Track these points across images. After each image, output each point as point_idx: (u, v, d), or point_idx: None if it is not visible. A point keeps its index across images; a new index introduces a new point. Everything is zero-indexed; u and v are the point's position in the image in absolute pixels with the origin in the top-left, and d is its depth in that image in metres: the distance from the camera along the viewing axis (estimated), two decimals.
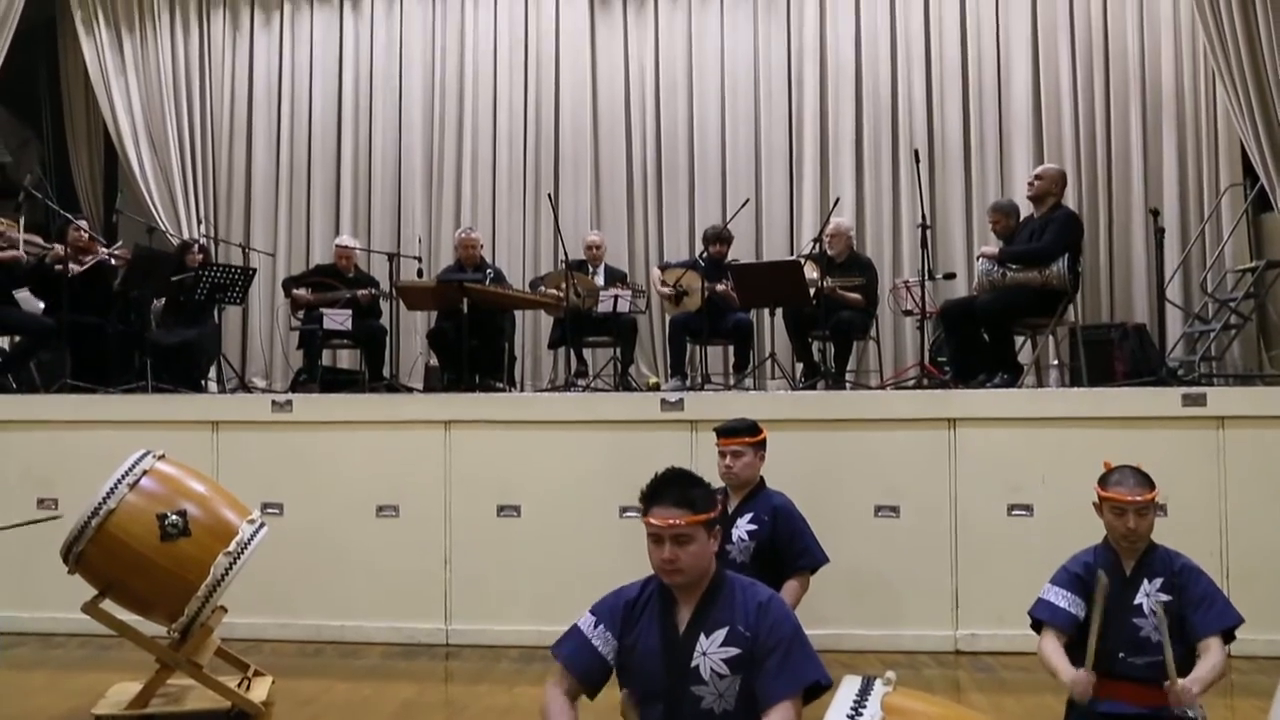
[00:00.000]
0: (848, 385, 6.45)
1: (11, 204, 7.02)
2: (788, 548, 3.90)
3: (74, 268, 6.50)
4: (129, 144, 8.85)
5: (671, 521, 2.46)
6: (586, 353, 7.46)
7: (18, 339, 6.86)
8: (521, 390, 7.66)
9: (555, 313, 7.18)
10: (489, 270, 7.32)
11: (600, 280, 7.36)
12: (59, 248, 6.62)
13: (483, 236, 7.79)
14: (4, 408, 5.89)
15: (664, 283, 7.03)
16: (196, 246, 7.37)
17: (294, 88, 9.14)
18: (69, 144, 9.43)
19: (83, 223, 7.00)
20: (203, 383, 7.00)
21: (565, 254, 6.92)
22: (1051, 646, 3.04)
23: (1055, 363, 6.68)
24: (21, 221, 6.68)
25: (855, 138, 8.58)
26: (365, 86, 9.09)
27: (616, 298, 6.96)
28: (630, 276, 8.04)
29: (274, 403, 5.72)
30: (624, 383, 6.87)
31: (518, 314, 7.66)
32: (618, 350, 7.02)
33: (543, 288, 7.23)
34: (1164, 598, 2.98)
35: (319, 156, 9.08)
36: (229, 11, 9.20)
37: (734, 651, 2.44)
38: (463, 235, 7.48)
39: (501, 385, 6.86)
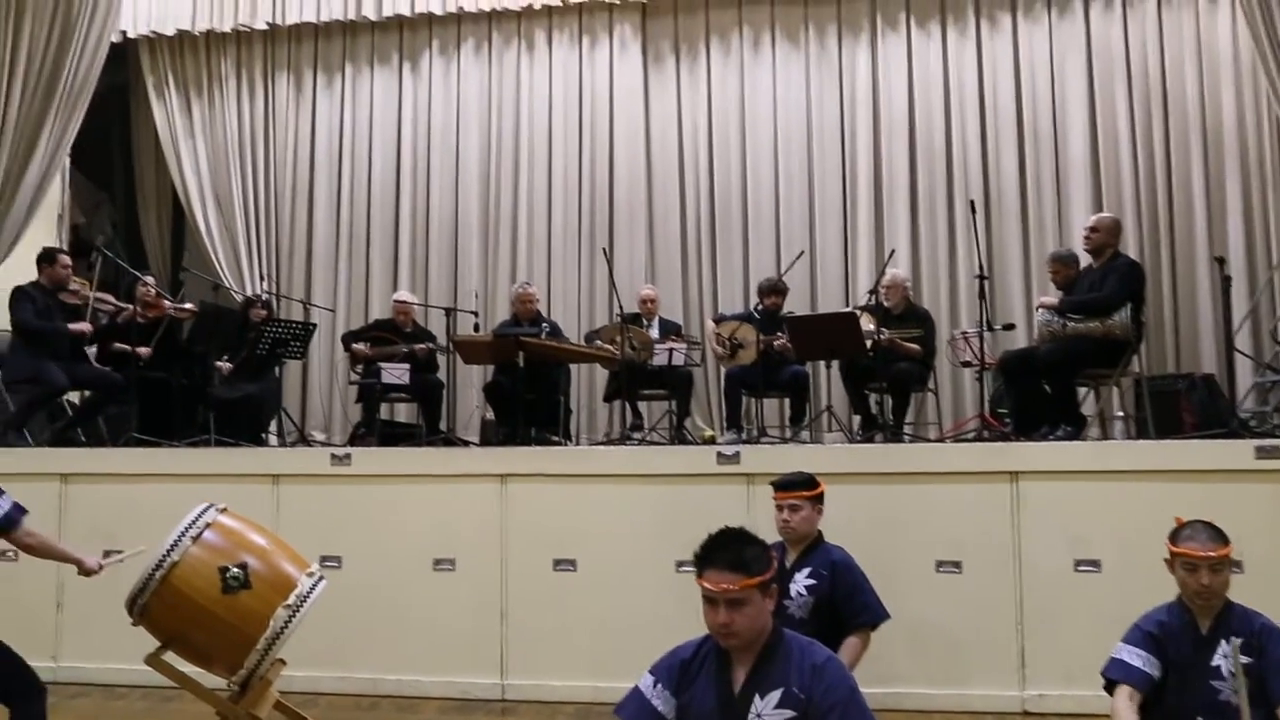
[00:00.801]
0: (906, 438, 6.38)
1: (84, 263, 7.27)
2: (847, 603, 3.83)
3: (142, 339, 6.68)
4: (196, 204, 9.15)
5: (725, 585, 2.42)
6: (642, 406, 7.47)
7: (88, 393, 7.04)
8: (577, 444, 7.67)
9: (610, 366, 7.19)
10: (545, 324, 7.39)
11: (655, 333, 7.38)
12: (130, 308, 6.81)
13: (538, 291, 7.89)
14: (73, 461, 6.04)
15: (719, 335, 7.01)
16: (260, 302, 7.56)
17: (354, 148, 9.37)
18: (139, 205, 9.76)
19: (150, 279, 7.20)
20: (264, 436, 7.10)
21: (620, 307, 6.96)
22: (1125, 707, 2.93)
23: (1120, 414, 6.52)
24: (94, 279, 6.91)
25: (910, 188, 8.55)
26: (423, 145, 9.27)
27: (671, 351, 6.96)
28: (685, 329, 8.05)
29: (333, 456, 5.78)
30: (679, 436, 6.84)
31: (573, 367, 7.69)
32: (673, 403, 7.04)
33: (598, 341, 7.26)
34: (1243, 659, 2.87)
35: (378, 214, 9.27)
36: (293, 74, 9.48)
37: (789, 714, 2.40)
38: (519, 290, 7.56)
39: (557, 439, 6.88)
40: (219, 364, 7.04)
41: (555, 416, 7.02)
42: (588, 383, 8.56)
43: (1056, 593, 5.01)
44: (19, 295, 6.45)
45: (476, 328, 7.38)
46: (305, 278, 9.30)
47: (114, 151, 9.90)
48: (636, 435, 7.02)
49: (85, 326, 6.55)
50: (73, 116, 7.55)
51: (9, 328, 6.65)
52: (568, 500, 5.51)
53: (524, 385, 6.60)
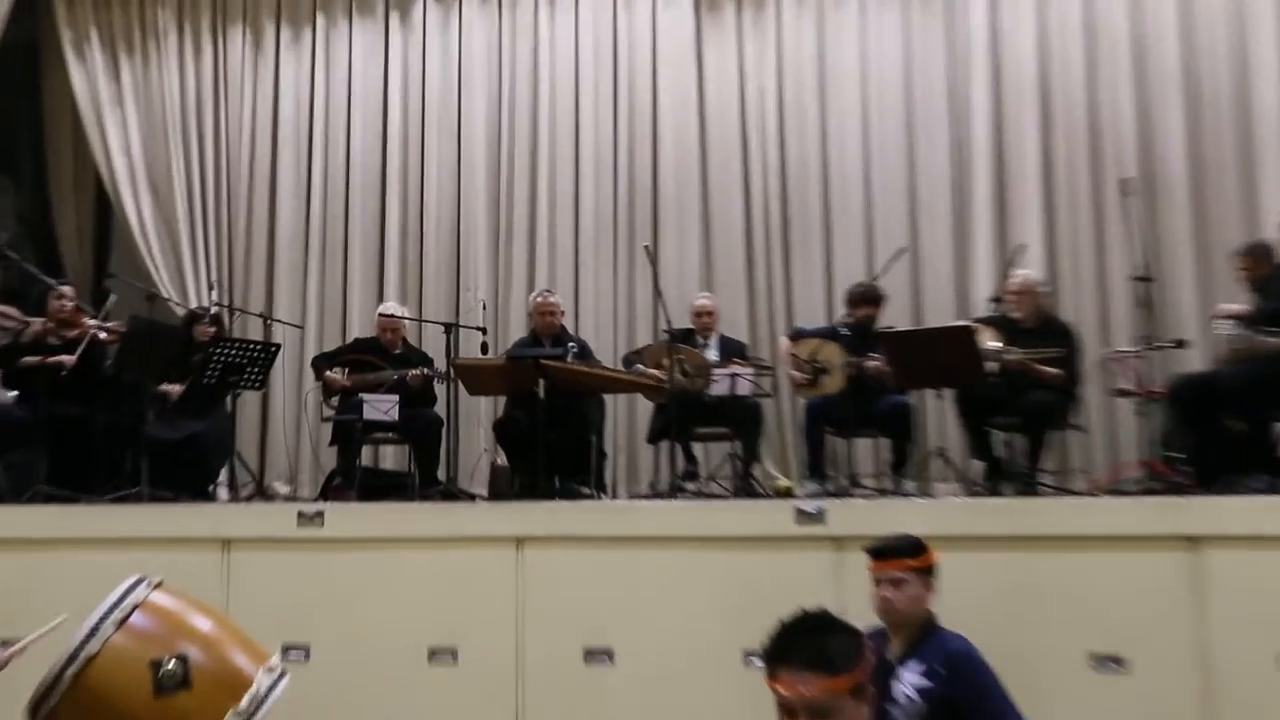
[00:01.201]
0: (1045, 490, 6.30)
1: None
2: (972, 710, 3.73)
3: (59, 355, 6.74)
4: (125, 192, 9.27)
5: (804, 689, 2.30)
6: (697, 448, 7.46)
7: None
8: (614, 497, 7.67)
9: (656, 397, 7.18)
10: (571, 344, 7.39)
11: (713, 354, 7.36)
12: (37, 322, 6.90)
13: (563, 301, 7.88)
14: None
15: (795, 357, 6.98)
16: (207, 317, 7.61)
17: (328, 120, 9.44)
18: (51, 193, 9.87)
19: (67, 289, 7.27)
20: (211, 489, 7.12)
21: (668, 322, 6.93)
22: None
23: None
24: None
25: (1043, 165, 8.47)
26: (416, 118, 9.35)
27: (735, 377, 6.95)
28: (751, 349, 8.04)
29: (301, 514, 5.78)
30: (746, 487, 6.83)
31: (608, 399, 7.70)
32: (737, 445, 7.02)
33: (640, 365, 7.26)
34: None
35: (359, 205, 9.34)
36: (249, 28, 9.60)
37: None
38: (538, 300, 7.57)
39: (588, 491, 6.88)
40: (166, 387, 7.10)
41: (586, 462, 7.02)
42: (626, 419, 8.57)
43: (1258, 700, 4.86)
44: None
45: (485, 348, 7.38)
46: (266, 286, 9.37)
47: (19, 125, 10.01)
48: (690, 486, 7.00)
49: None
50: None
51: None
52: (602, 571, 5.48)
53: (545, 422, 6.60)
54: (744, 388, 7.00)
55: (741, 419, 7.05)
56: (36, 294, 7.51)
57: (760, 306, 8.83)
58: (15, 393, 7.09)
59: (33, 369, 6.76)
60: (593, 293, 8.94)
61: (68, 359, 6.73)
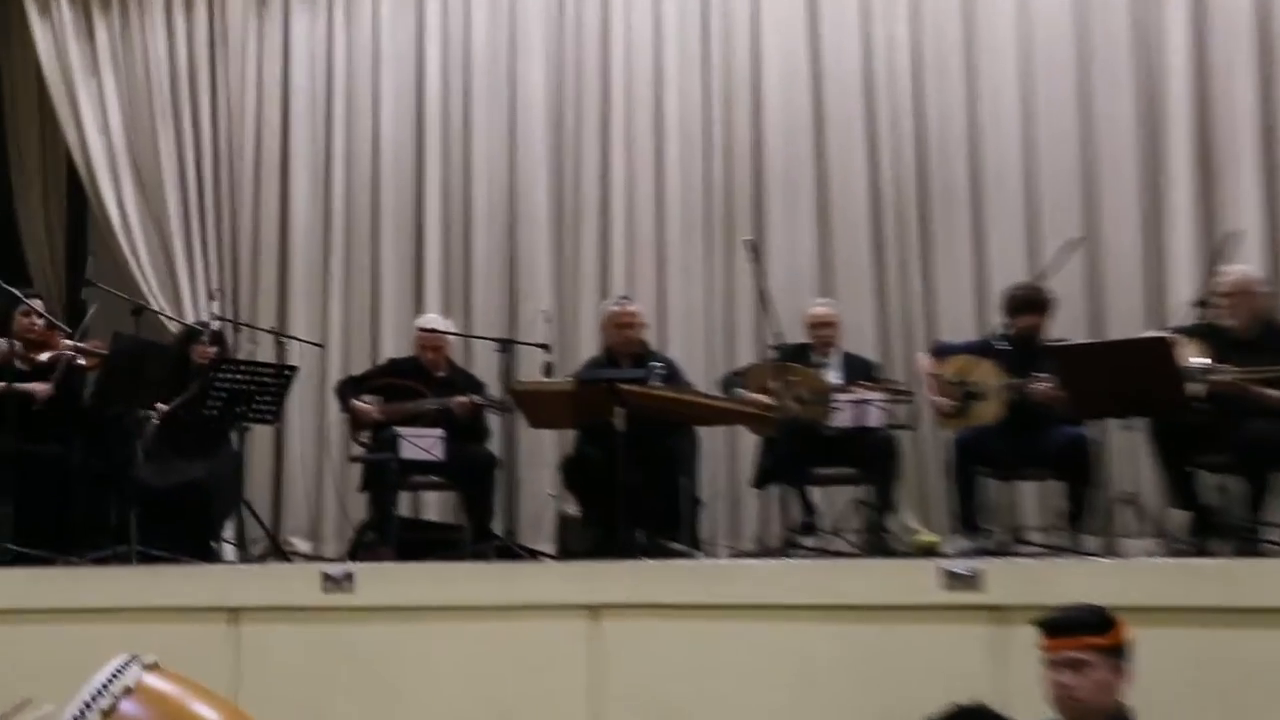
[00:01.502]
0: (1270, 548, 6.22)
1: None
2: None
3: (29, 383, 6.90)
4: (104, 180, 9.39)
5: None
6: (815, 493, 7.45)
7: None
8: (712, 556, 7.64)
9: (763, 429, 7.18)
10: (656, 364, 7.41)
11: (834, 375, 7.35)
12: (2, 343, 7.01)
13: (645, 310, 7.93)
14: None
15: (939, 379, 6.97)
16: (207, 334, 7.71)
17: (351, 92, 9.51)
18: (14, 182, 9.99)
19: (36, 302, 7.42)
20: (216, 546, 7.22)
21: (777, 335, 6.94)
22: None
23: None
24: None
25: (1261, 128, 8.32)
26: (458, 90, 9.39)
27: (862, 404, 6.93)
28: (883, 368, 8.01)
29: (326, 577, 5.88)
30: (878, 543, 6.81)
31: (702, 432, 7.69)
32: (867, 489, 7.01)
33: (742, 390, 7.26)
34: None
35: (391, 192, 9.39)
36: None
37: None
38: (614, 309, 7.64)
39: (679, 547, 6.90)
40: (154, 408, 7.17)
41: (676, 511, 7.04)
42: (726, 456, 8.53)
43: None
44: None
45: (549, 370, 7.43)
46: (278, 294, 9.44)
47: None
48: (807, 542, 7.01)
49: None
50: None
51: None
52: (697, 648, 5.53)
53: (625, 461, 6.63)
54: (874, 417, 6.97)
55: (871, 457, 7.05)
56: None
57: (893, 315, 8.74)
58: None
59: None
60: (681, 299, 8.91)
61: (40, 388, 6.88)
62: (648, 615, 5.61)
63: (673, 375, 7.48)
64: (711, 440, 8.15)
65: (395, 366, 7.95)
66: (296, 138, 9.58)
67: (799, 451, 6.94)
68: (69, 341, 7.25)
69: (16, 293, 7.42)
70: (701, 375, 8.35)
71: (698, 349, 8.76)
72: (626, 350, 7.50)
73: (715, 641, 5.53)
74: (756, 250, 7.83)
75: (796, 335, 7.56)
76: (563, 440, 8.13)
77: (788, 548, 6.91)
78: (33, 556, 6.46)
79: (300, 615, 5.82)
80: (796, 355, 7.27)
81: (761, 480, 7.54)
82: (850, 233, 8.86)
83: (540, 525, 8.13)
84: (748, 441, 7.97)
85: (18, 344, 7.05)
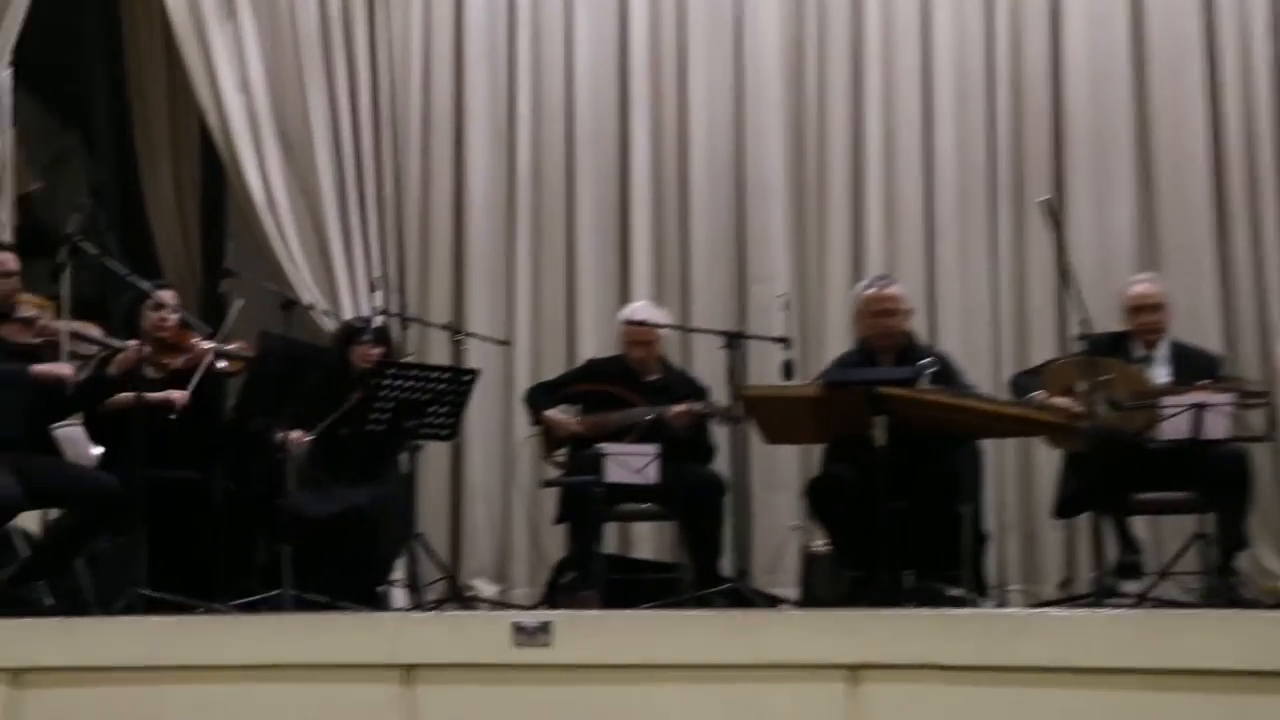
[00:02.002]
0: None
1: (47, 267, 7.65)
2: None
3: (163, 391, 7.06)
4: (243, 148, 9.46)
5: None
6: (1139, 524, 7.40)
7: (56, 513, 7.37)
8: (1002, 604, 7.65)
9: (1068, 443, 7.12)
10: (926, 361, 7.31)
11: (1162, 373, 7.27)
12: (129, 346, 7.07)
13: (910, 294, 7.88)
14: (29, 644, 6.22)
15: None
16: (369, 333, 7.82)
17: (537, 26, 9.55)
18: (139, 153, 10.26)
19: (168, 295, 7.53)
20: (383, 589, 7.34)
21: (1086, 322, 6.82)
22: None
23: None
24: (64, 300, 7.31)
25: None
26: (671, 23, 9.40)
27: (1201, 410, 6.77)
28: (1228, 363, 7.89)
29: (518, 628, 5.85)
30: (1225, 589, 6.69)
31: (988, 447, 7.67)
32: (1209, 519, 6.85)
33: (1038, 393, 7.17)
34: None
35: (589, 154, 9.45)
36: None
37: None
38: (870, 294, 7.57)
39: (960, 593, 6.87)
40: (291, 436, 7.27)
41: (955, 547, 6.99)
42: (1018, 477, 8.53)
43: None
44: None
45: (788, 370, 7.37)
46: (453, 283, 9.54)
47: (90, 59, 10.44)
48: (1130, 587, 6.93)
49: (64, 369, 6.79)
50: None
51: None
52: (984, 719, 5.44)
53: (888, 483, 6.61)
54: (1218, 427, 6.80)
55: (1213, 477, 6.89)
56: (124, 304, 7.70)
57: (1241, 295, 8.64)
58: (101, 449, 7.41)
59: (126, 411, 6.91)
60: (956, 279, 8.89)
61: (178, 396, 6.98)
62: (920, 678, 5.49)
63: (947, 375, 7.37)
64: (999, 457, 8.17)
65: (596, 369, 8.03)
66: (472, 88, 9.63)
67: (1115, 471, 6.81)
68: (207, 343, 7.29)
69: (144, 284, 7.50)
70: (985, 375, 8.34)
71: (979, 341, 8.74)
72: (887, 344, 7.44)
73: (1006, 712, 5.43)
74: (1056, 214, 7.65)
75: (1109, 321, 7.41)
76: (807, 459, 8.15)
77: (1102, 595, 6.75)
78: (168, 603, 6.56)
79: (486, 674, 5.79)
80: (1111, 348, 7.14)
81: (1066, 508, 7.50)
82: (1181, 196, 8.78)
83: (780, 565, 8.18)
84: (1048, 459, 7.90)
85: (146, 347, 7.09)
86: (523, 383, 8.77)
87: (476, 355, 8.58)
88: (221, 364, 7.31)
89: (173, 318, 7.38)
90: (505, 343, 8.93)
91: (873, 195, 9.09)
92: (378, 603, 7.21)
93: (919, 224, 9.00)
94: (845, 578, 7.13)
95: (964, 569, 7.01)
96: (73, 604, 7.04)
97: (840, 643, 5.63)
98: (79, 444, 7.55)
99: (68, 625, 6.53)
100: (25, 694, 6.13)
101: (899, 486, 6.72)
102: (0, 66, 8.58)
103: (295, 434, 7.30)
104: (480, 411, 8.77)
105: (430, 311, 9.26)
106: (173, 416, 6.95)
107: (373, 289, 9.13)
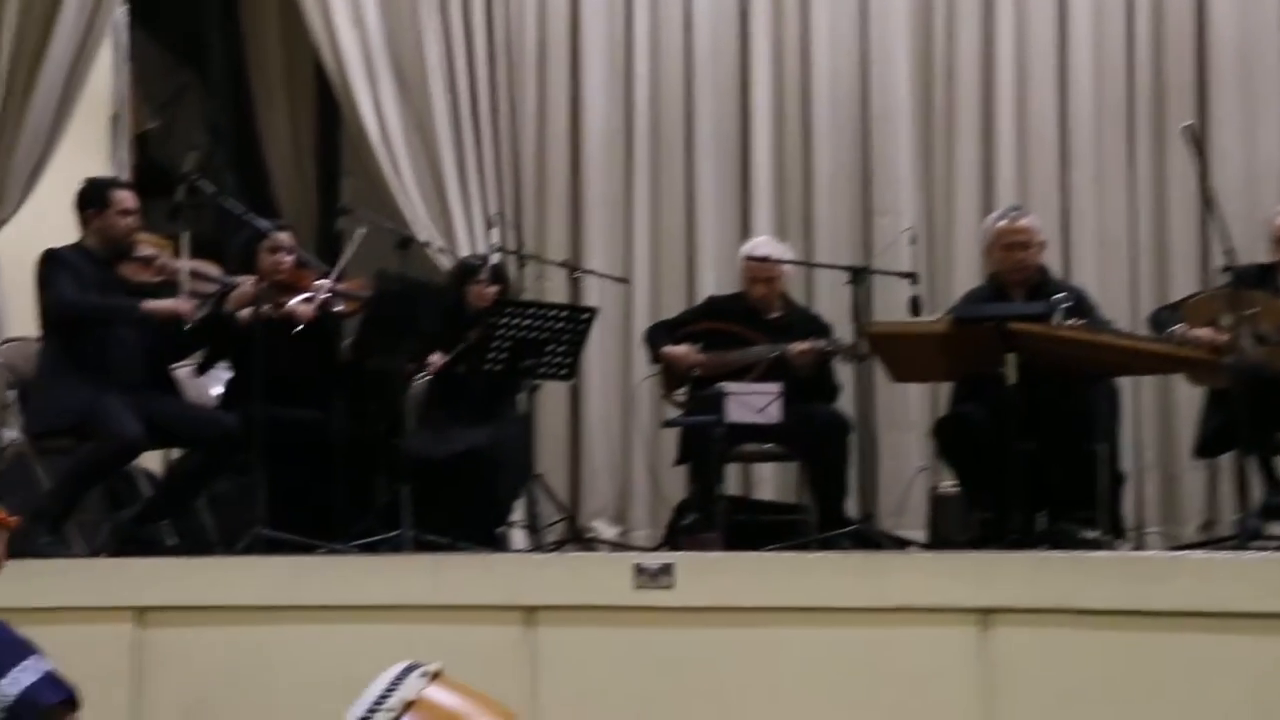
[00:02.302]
0: None
1: (165, 206, 7.74)
2: None
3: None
4: (358, 84, 9.44)
5: None
6: None
7: (178, 453, 7.52)
8: (1140, 546, 7.59)
9: (1210, 380, 7.00)
10: (1061, 295, 7.13)
11: None
12: (247, 282, 7.15)
13: (1044, 225, 7.75)
14: (152, 583, 6.41)
15: None
16: (486, 270, 7.83)
17: None
18: (255, 93, 10.38)
19: (284, 236, 7.54)
20: (503, 530, 7.38)
21: (1231, 253, 6.63)
22: None
23: None
24: (185, 240, 7.36)
25: None
26: None
27: None
28: None
29: (639, 570, 5.90)
30: None
31: (1125, 384, 7.61)
32: None
33: (1179, 328, 6.99)
34: None
35: (708, 89, 9.39)
36: None
37: None
38: (1002, 226, 7.42)
39: (1096, 535, 6.75)
40: (425, 362, 7.35)
41: (1090, 488, 6.87)
42: (1156, 416, 8.46)
43: None
44: (50, 265, 6.91)
45: (916, 306, 7.34)
46: (570, 220, 9.54)
47: None
48: (1276, 528, 6.82)
49: (182, 305, 6.89)
50: None
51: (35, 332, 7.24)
52: (1122, 662, 5.42)
53: (1020, 423, 6.52)
54: None
55: None
56: (240, 245, 7.71)
57: None
58: (220, 389, 7.59)
59: (248, 332, 6.94)
60: (1092, 211, 8.75)
61: (303, 310, 7.02)
62: (1054, 623, 5.51)
63: (1082, 310, 7.21)
64: (1137, 395, 8.12)
65: (717, 306, 7.98)
66: (589, 25, 9.61)
67: (1261, 408, 6.62)
68: (324, 281, 7.32)
69: (262, 224, 7.57)
70: (1123, 309, 8.24)
71: (1117, 275, 8.63)
72: (1019, 279, 7.31)
73: (1147, 656, 5.40)
74: (1199, 140, 7.49)
75: (1256, 253, 7.24)
76: (935, 398, 8.11)
77: (1246, 537, 6.60)
78: (289, 544, 6.62)
79: (608, 616, 5.84)
80: (1258, 279, 6.94)
81: (1208, 448, 7.40)
82: None
83: (907, 506, 8.08)
84: (1190, 397, 7.78)
85: (263, 283, 7.14)
86: (642, 321, 8.75)
87: (594, 293, 8.80)
88: (339, 305, 7.33)
89: (289, 258, 7.40)
90: (624, 280, 8.97)
91: (1004, 123, 8.99)
92: (497, 544, 7.24)
93: (1053, 153, 8.90)
94: (975, 520, 7.09)
95: (1100, 510, 6.89)
96: (195, 544, 7.20)
97: (971, 586, 5.68)
98: (199, 384, 7.73)
99: (190, 565, 6.67)
100: (149, 633, 6.28)
101: (1031, 426, 6.61)
102: (115, 5, 8.65)
103: (435, 356, 7.38)
104: (599, 351, 8.78)
105: (547, 249, 9.25)
106: (296, 330, 7.03)
107: (489, 226, 9.17)
